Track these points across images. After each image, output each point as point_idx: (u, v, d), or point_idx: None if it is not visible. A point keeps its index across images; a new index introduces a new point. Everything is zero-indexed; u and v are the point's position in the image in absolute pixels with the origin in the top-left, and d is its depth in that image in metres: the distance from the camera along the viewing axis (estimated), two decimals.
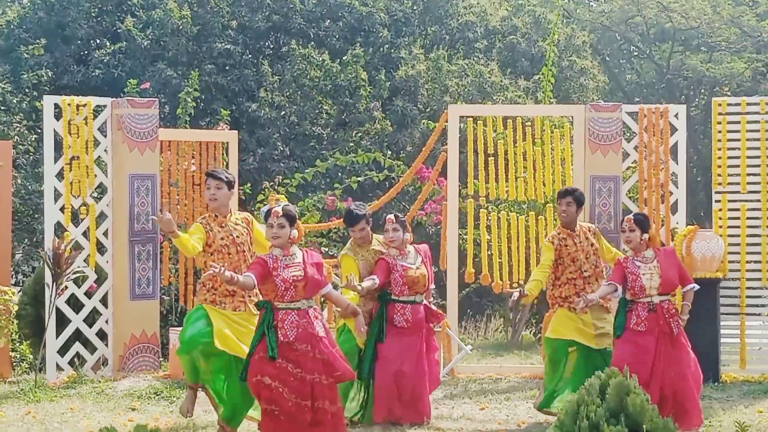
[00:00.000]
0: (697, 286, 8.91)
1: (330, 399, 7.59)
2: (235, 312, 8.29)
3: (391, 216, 9.07)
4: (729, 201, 11.51)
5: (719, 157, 11.55)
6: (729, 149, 11.57)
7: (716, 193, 11.58)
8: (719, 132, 11.59)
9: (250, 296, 8.25)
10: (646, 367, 8.38)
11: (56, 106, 11.39)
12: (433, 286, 9.49)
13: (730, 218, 11.50)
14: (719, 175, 11.55)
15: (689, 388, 8.52)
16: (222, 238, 8.35)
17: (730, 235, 11.45)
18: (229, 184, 8.47)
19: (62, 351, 11.25)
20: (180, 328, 8.65)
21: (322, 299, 11.01)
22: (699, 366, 8.75)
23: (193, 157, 12.30)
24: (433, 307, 9.30)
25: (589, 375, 8.54)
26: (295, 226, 7.69)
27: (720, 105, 11.67)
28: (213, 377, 8.31)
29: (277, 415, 7.51)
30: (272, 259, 7.60)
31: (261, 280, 7.53)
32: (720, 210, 11.51)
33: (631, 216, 8.78)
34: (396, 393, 8.82)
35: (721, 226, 11.46)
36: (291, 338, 7.49)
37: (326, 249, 13.81)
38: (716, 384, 10.86)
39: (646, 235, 8.67)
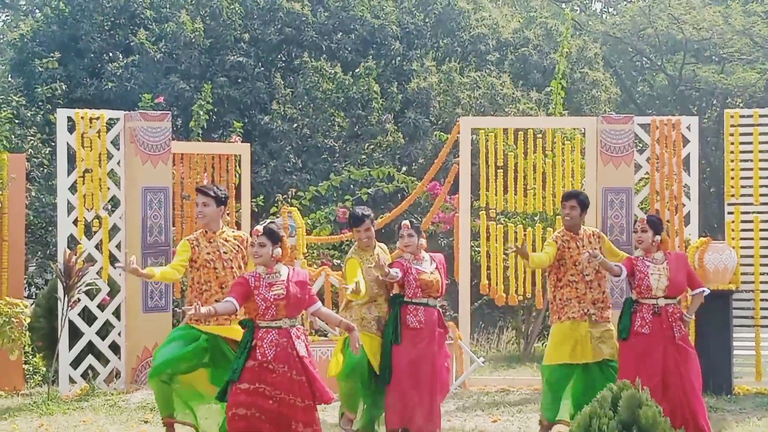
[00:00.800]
0: (707, 290, 8.89)
1: (304, 422, 7.42)
2: (219, 326, 8.22)
3: (407, 222, 9.12)
4: (742, 213, 11.50)
5: (732, 169, 11.54)
6: (741, 161, 11.56)
7: (729, 204, 11.56)
8: (731, 144, 11.58)
9: (236, 316, 8.07)
10: (656, 375, 8.35)
11: (69, 119, 11.45)
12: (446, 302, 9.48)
13: (742, 230, 11.48)
14: (732, 186, 11.54)
15: (699, 402, 8.48)
16: (208, 254, 8.31)
17: (742, 247, 11.43)
18: (218, 200, 8.34)
19: (75, 363, 11.28)
20: None
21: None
22: (701, 375, 8.69)
23: (205, 170, 12.34)
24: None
25: (588, 388, 8.59)
26: (279, 245, 7.59)
27: (732, 116, 11.67)
28: (189, 395, 8.30)
29: None
30: (254, 277, 7.50)
31: (243, 299, 7.43)
32: (733, 222, 11.50)
33: (644, 217, 8.82)
34: (414, 401, 8.80)
35: (733, 238, 11.45)
36: (269, 357, 7.38)
37: (338, 261, 13.80)
38: (729, 396, 10.83)
39: (657, 237, 8.68)
